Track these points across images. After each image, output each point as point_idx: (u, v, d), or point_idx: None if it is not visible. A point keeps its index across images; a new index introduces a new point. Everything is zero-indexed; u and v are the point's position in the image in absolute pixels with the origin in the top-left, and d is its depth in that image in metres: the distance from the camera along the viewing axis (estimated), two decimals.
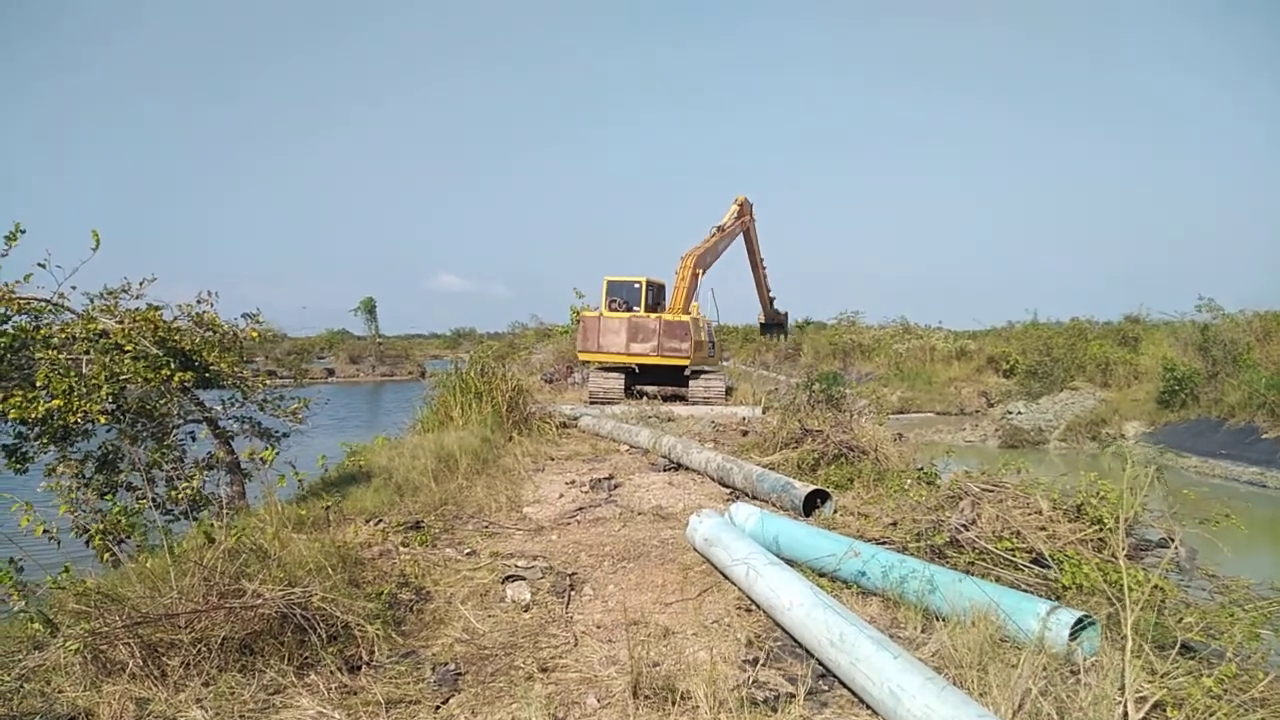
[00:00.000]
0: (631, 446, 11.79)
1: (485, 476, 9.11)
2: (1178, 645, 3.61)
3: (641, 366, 18.80)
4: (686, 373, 18.93)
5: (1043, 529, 4.99)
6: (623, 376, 18.69)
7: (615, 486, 8.95)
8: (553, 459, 10.89)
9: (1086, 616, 3.92)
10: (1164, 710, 3.22)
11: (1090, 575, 4.41)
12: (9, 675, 3.73)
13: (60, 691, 3.61)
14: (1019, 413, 24.19)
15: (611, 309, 19.58)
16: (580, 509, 7.85)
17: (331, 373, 53.84)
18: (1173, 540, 4.50)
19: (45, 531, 5.19)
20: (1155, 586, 4.12)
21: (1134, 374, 26.22)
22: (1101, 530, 4.80)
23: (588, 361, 19.40)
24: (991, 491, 5.55)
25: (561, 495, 8.44)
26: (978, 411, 28.42)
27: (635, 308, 19.77)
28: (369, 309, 59.73)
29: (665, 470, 9.92)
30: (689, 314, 19.53)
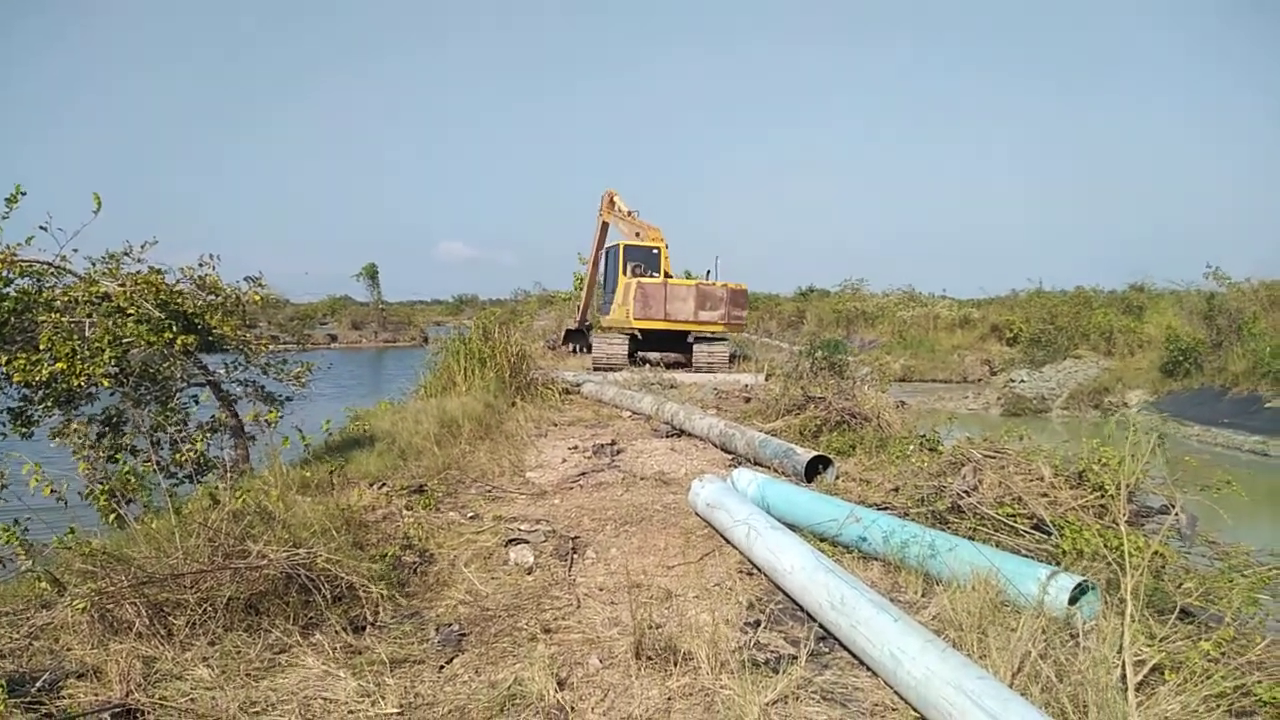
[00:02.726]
0: (634, 413, 11.81)
1: (488, 441, 9.14)
2: (1177, 610, 3.64)
3: (644, 332, 18.71)
4: (690, 339, 18.89)
5: (1044, 495, 5.00)
6: (627, 341, 18.63)
7: (618, 452, 8.98)
8: (555, 425, 10.91)
9: (1086, 581, 3.94)
10: (1162, 673, 3.24)
11: (1091, 541, 4.42)
12: (18, 633, 3.77)
13: (68, 649, 3.65)
14: (1022, 381, 24.25)
15: (635, 274, 19.50)
16: (583, 474, 7.88)
17: (334, 338, 53.95)
18: (1173, 507, 4.51)
19: (54, 492, 5.21)
20: (1155, 552, 4.14)
21: (1138, 343, 26.23)
22: (1103, 497, 4.81)
23: (642, 330, 18.75)
24: (994, 458, 5.56)
25: (564, 460, 8.46)
26: (981, 380, 28.44)
27: (653, 273, 19.72)
28: (371, 275, 59.58)
29: (668, 436, 9.94)
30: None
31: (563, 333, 25.23)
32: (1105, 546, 4.29)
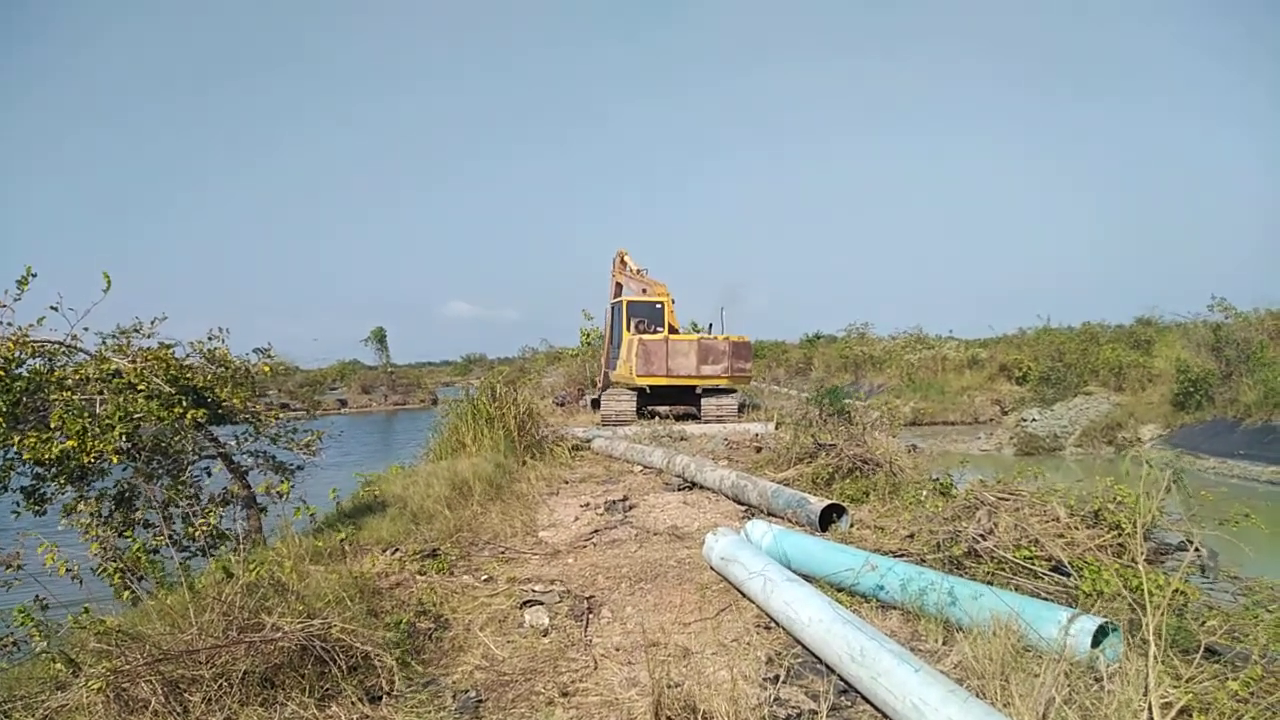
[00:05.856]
0: (645, 467, 11.77)
1: (500, 502, 9.10)
2: (1202, 649, 3.58)
3: (651, 387, 18.71)
4: (699, 391, 18.88)
5: (1061, 536, 4.96)
6: (635, 397, 18.62)
7: (630, 508, 8.94)
8: (567, 482, 10.88)
9: (1108, 623, 3.89)
10: (1190, 715, 3.19)
11: (1110, 581, 4.38)
12: (33, 717, 3.74)
13: None
14: (1033, 420, 24.08)
15: (638, 330, 19.57)
16: (596, 531, 7.84)
17: (344, 403, 54.18)
18: (1192, 543, 4.47)
19: (68, 570, 5.21)
20: (1176, 590, 4.09)
21: (1148, 377, 26.07)
22: (1120, 535, 4.77)
23: (650, 386, 18.75)
24: (1008, 500, 5.53)
25: (576, 518, 8.43)
26: (992, 420, 28.32)
27: (657, 328, 19.76)
28: (380, 339, 59.93)
29: (680, 490, 9.90)
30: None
31: (590, 400, 24.67)
32: (1125, 586, 4.24)
